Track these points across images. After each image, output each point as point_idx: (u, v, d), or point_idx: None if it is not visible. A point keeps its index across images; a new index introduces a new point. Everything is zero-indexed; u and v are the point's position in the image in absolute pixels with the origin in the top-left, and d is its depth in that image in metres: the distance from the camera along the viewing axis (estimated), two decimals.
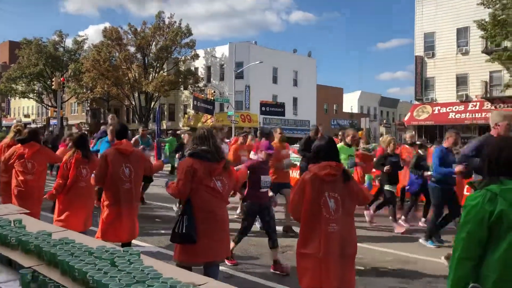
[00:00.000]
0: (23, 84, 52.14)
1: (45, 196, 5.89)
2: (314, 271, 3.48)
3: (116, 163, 5.18)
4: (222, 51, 46.20)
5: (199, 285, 2.16)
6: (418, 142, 10.18)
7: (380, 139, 10.12)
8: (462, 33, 33.54)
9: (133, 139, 10.19)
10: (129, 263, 2.34)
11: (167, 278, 2.11)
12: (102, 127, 9.68)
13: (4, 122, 62.64)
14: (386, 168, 8.18)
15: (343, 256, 3.55)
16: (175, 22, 44.05)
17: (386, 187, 8.41)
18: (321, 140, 3.83)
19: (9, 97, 62.32)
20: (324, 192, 3.54)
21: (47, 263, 2.49)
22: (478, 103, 32.56)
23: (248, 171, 5.57)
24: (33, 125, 43.65)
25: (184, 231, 3.78)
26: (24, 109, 67.60)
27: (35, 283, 2.44)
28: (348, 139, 8.45)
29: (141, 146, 9.72)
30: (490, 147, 2.49)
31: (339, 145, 8.43)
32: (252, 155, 8.33)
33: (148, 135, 11.80)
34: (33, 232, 2.89)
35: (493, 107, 31.67)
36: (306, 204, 3.55)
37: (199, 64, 46.99)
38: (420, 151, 8.97)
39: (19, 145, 6.26)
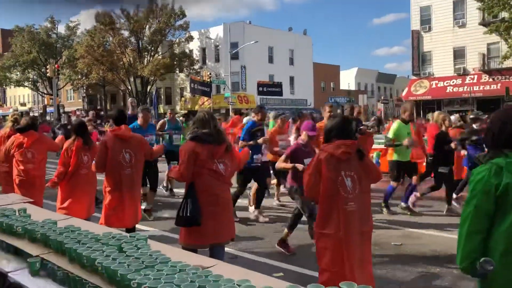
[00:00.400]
0: (18, 73, 51.68)
1: (47, 185, 5.89)
2: (334, 251, 3.49)
3: (115, 148, 5.18)
4: (216, 32, 45.69)
5: (208, 267, 2.17)
6: (471, 116, 9.27)
7: (431, 116, 9.19)
8: (458, 6, 33.23)
9: (160, 122, 9.94)
10: (137, 249, 2.35)
11: (176, 262, 2.12)
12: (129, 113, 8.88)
13: (0, 112, 62.32)
14: (453, 145, 7.56)
15: (362, 234, 3.57)
16: (168, 4, 43.49)
17: (441, 169, 7.80)
18: (333, 118, 3.79)
19: (4, 86, 61.84)
20: (341, 171, 3.52)
21: (55, 251, 2.50)
22: (475, 76, 32.47)
23: (290, 157, 5.37)
24: (30, 114, 43.43)
25: (188, 214, 3.80)
26: (20, 97, 67.15)
27: (44, 271, 2.45)
28: (406, 115, 7.80)
29: (168, 131, 9.41)
30: (494, 120, 2.47)
31: (397, 122, 7.95)
32: (292, 139, 8.17)
33: (178, 119, 11.20)
34: (39, 221, 2.90)
35: (491, 79, 31.61)
36: (323, 184, 3.54)
37: (194, 46, 46.51)
38: (474, 126, 8.23)
39: (18, 134, 6.23)
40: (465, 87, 32.09)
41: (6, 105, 68.74)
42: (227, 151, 4.01)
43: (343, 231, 3.47)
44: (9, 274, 2.44)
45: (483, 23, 30.83)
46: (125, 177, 5.21)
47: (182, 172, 3.89)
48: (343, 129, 3.67)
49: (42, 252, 2.53)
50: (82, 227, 2.81)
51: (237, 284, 1.83)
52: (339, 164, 3.54)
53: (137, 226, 5.90)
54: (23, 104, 64.70)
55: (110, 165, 5.18)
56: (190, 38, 44.22)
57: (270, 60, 47.56)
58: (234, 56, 41.31)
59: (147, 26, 43.83)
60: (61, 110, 42.68)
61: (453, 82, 33.46)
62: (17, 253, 2.75)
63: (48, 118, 34.89)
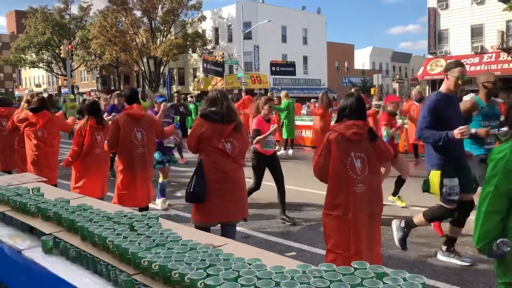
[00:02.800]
0: (32, 54, 52.07)
1: (61, 164, 5.94)
2: (342, 232, 3.45)
3: (127, 127, 5.19)
4: (228, 11, 45.24)
5: (219, 246, 2.16)
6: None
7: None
8: None
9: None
10: (148, 227, 2.35)
11: (186, 241, 2.10)
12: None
13: (16, 93, 62.99)
14: None
15: (371, 216, 3.51)
16: None
17: None
18: (347, 97, 3.69)
19: (19, 67, 62.42)
20: (350, 152, 3.45)
21: (67, 229, 2.51)
22: (494, 54, 31.73)
23: None
24: (45, 94, 43.74)
25: (191, 190, 3.83)
26: (35, 78, 67.78)
27: (57, 249, 2.47)
28: None
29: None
30: None
31: None
32: None
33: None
34: (52, 200, 2.92)
35: (510, 58, 30.88)
36: (332, 165, 3.47)
37: (207, 26, 46.21)
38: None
39: (31, 114, 6.26)
40: (483, 66, 31.40)
41: (22, 86, 69.46)
42: (236, 130, 3.97)
43: (352, 213, 3.42)
44: (22, 252, 2.46)
45: (503, 0, 29.97)
46: (137, 156, 5.22)
47: (189, 145, 4.02)
48: (356, 109, 3.58)
49: (55, 230, 2.55)
50: (94, 206, 2.82)
51: (247, 263, 1.81)
52: (349, 145, 3.46)
53: (150, 205, 5.94)
54: (38, 85, 65.33)
55: (122, 144, 5.20)
56: (203, 18, 43.89)
57: (284, 39, 47.06)
58: (247, 36, 40.92)
59: (160, 6, 43.59)
60: (75, 91, 42.93)
61: (470, 60, 32.75)
62: (31, 231, 2.78)
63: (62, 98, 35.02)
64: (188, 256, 1.88)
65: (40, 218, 2.77)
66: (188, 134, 4.14)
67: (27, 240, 2.69)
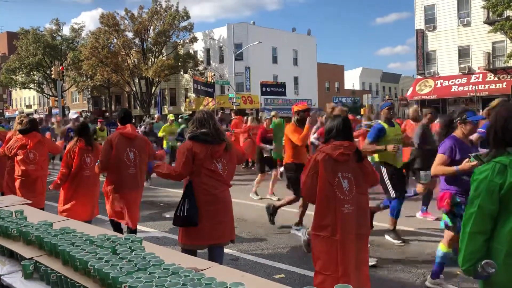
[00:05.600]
0: (23, 75, 51.93)
1: (49, 186, 5.86)
2: (330, 253, 3.43)
3: (120, 147, 5.19)
4: (220, 32, 45.67)
5: (202, 270, 2.13)
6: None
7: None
8: (463, 4, 33.01)
9: None
10: (131, 251, 2.32)
11: (169, 264, 2.08)
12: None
13: (7, 114, 62.60)
14: None
15: (359, 236, 3.50)
16: (172, 5, 43.55)
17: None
18: (334, 119, 3.72)
19: (10, 88, 62.13)
20: (338, 172, 3.46)
21: (48, 254, 2.47)
22: (481, 75, 32.25)
23: None
24: (35, 115, 43.53)
25: (185, 213, 3.76)
26: (26, 99, 67.47)
27: (38, 273, 2.42)
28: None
29: None
30: (495, 118, 2.40)
31: None
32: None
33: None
34: (34, 223, 2.87)
35: (496, 78, 31.40)
36: (320, 186, 3.47)
37: (198, 47, 46.55)
38: None
39: (21, 136, 6.20)
40: (470, 86, 31.87)
41: (12, 107, 69.08)
42: (226, 150, 3.96)
43: (339, 234, 3.40)
44: (2, 277, 2.40)
45: (488, 22, 30.63)
46: (128, 176, 5.21)
47: (180, 171, 3.84)
48: (342, 130, 3.60)
49: (36, 254, 2.50)
50: (78, 229, 2.78)
51: (229, 287, 1.79)
52: (336, 166, 3.47)
53: (138, 227, 5.87)
54: (29, 106, 65.00)
55: (114, 164, 5.19)
56: (194, 39, 44.24)
57: (274, 60, 47.48)
58: (238, 57, 41.27)
59: (151, 28, 43.91)
60: (66, 112, 42.73)
61: (458, 81, 33.24)
62: (12, 255, 2.72)
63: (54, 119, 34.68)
64: (170, 281, 1.85)
65: (22, 242, 2.72)
66: (177, 159, 3.96)
67: (7, 264, 2.63)
